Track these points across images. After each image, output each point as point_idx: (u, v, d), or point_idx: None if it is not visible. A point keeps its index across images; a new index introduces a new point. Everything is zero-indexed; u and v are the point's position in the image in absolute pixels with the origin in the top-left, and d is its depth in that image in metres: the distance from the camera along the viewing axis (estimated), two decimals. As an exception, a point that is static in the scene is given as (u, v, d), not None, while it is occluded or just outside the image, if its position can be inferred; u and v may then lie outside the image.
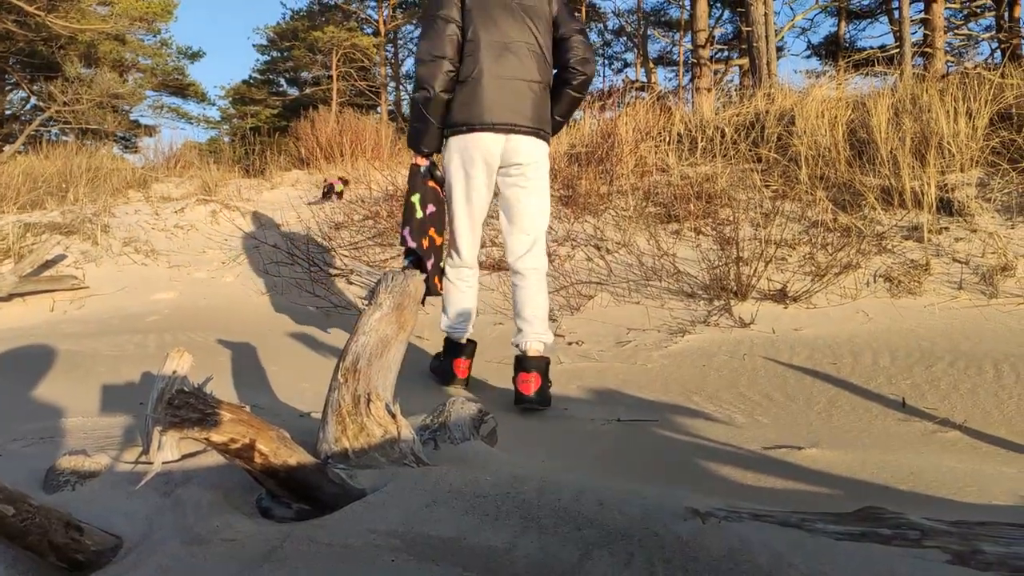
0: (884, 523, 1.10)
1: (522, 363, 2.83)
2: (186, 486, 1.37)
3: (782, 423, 2.59)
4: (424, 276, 2.54)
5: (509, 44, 2.84)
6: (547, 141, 2.97)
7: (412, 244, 2.95)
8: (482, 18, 2.83)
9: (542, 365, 2.83)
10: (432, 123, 2.87)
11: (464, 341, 3.12)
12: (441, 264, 3.07)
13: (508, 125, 2.84)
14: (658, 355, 3.43)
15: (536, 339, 2.88)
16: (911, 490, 1.83)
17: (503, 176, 2.96)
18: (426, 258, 2.95)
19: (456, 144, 2.90)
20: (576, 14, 3.11)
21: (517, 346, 2.91)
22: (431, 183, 3.01)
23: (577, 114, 6.35)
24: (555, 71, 3.01)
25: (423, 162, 3.00)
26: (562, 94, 3.01)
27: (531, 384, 2.77)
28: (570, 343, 3.75)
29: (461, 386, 3.12)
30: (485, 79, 2.82)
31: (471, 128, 2.85)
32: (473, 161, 2.89)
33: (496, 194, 3.03)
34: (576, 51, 2.94)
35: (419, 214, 2.97)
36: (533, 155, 2.90)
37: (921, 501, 1.74)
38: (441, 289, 3.07)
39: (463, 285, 3.09)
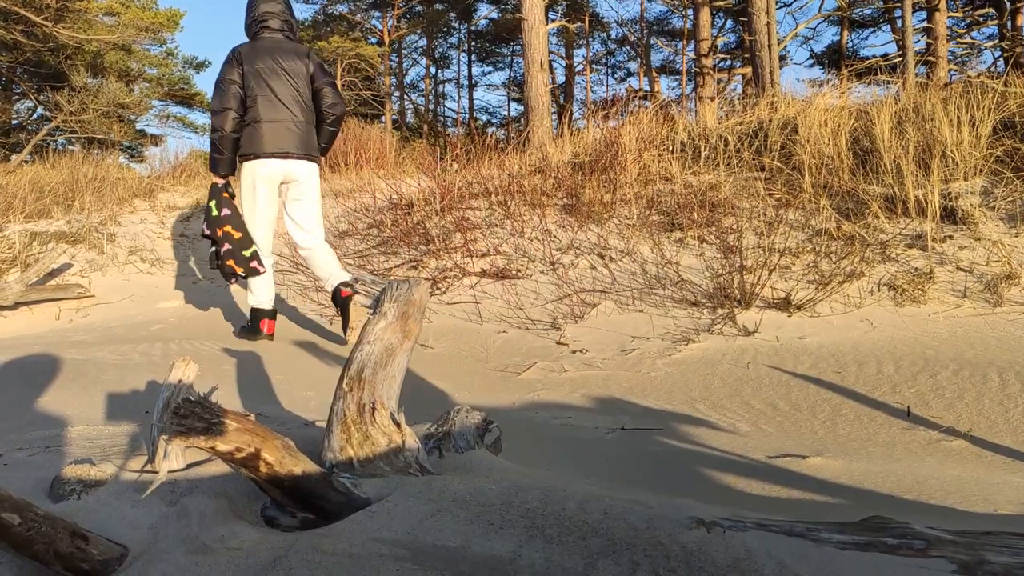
0: (889, 532, 1.09)
1: (342, 285, 4.09)
2: (191, 495, 1.38)
3: (786, 432, 2.59)
4: (233, 260, 4.00)
5: (278, 96, 4.02)
6: (316, 162, 4.19)
7: (207, 232, 4.11)
8: (257, 80, 4.01)
9: (352, 281, 4.15)
10: (225, 154, 4.02)
11: (268, 307, 4.19)
12: (246, 253, 4.07)
13: (283, 153, 4.03)
14: (662, 363, 3.43)
15: (340, 275, 4.13)
16: (916, 499, 1.83)
17: (285, 190, 4.16)
18: (219, 245, 4.05)
19: (247, 168, 4.08)
20: (328, 69, 4.33)
21: (334, 281, 4.12)
22: (226, 194, 4.11)
23: (580, 123, 6.44)
24: (316, 113, 4.19)
25: (221, 181, 4.12)
26: (322, 129, 4.22)
27: (350, 291, 4.08)
28: (574, 351, 3.75)
29: (268, 340, 4.16)
30: (262, 122, 4.00)
31: (256, 156, 4.02)
32: (259, 179, 4.05)
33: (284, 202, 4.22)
34: (326, 99, 4.15)
35: (215, 213, 4.08)
36: (304, 173, 4.12)
37: (926, 510, 1.74)
38: (239, 271, 4.09)
39: (269, 272, 4.20)
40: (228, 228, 4.04)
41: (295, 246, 4.27)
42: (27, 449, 1.88)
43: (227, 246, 4.02)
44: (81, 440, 1.98)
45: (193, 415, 1.14)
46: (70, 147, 15.87)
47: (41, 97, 17.90)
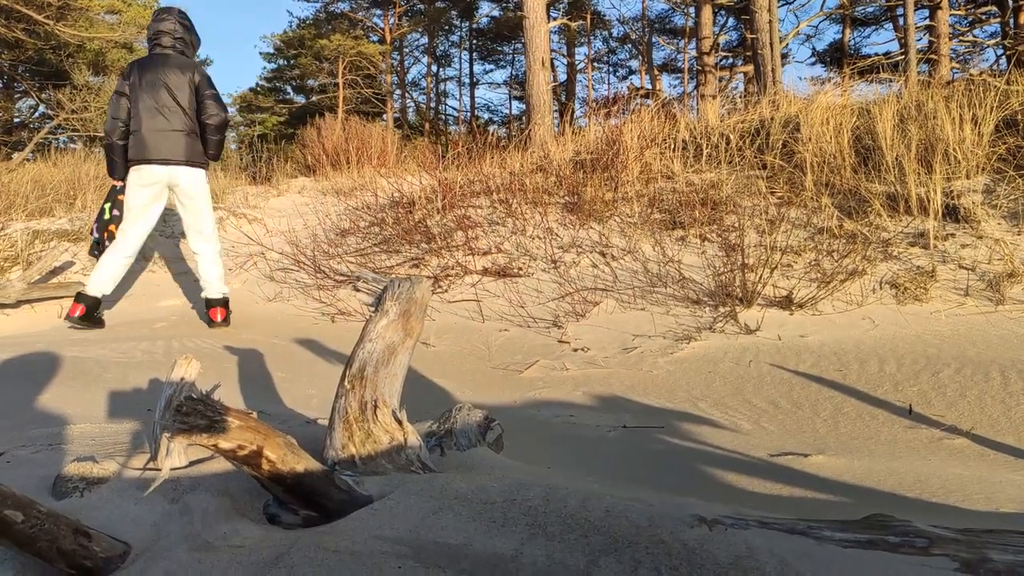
0: (891, 531, 1.09)
1: (211, 302, 4.51)
2: (194, 492, 1.38)
3: (788, 430, 2.59)
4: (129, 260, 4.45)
5: (160, 108, 4.33)
6: (201, 168, 4.46)
7: (96, 235, 4.64)
8: (141, 92, 4.33)
9: (223, 302, 4.54)
10: (116, 159, 4.41)
11: (95, 295, 4.38)
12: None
13: (162, 159, 4.33)
14: (664, 361, 3.43)
15: (214, 291, 4.51)
16: (918, 497, 1.83)
17: (174, 195, 4.48)
18: (104, 242, 4.54)
19: (133, 173, 4.38)
20: (212, 82, 4.51)
21: (206, 295, 4.53)
22: (121, 197, 4.53)
23: (582, 121, 6.45)
24: (199, 123, 4.45)
25: (118, 183, 4.57)
26: (206, 138, 4.46)
27: (218, 313, 4.49)
28: (576, 349, 3.75)
29: (67, 322, 4.39)
30: (144, 130, 4.32)
31: (139, 162, 4.35)
32: (140, 184, 4.37)
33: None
34: (207, 110, 4.40)
35: (107, 216, 4.62)
36: (189, 179, 4.41)
37: (928, 508, 1.74)
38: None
39: (122, 265, 4.46)
40: (113, 228, 4.58)
41: (190, 246, 4.66)
42: (30, 447, 1.89)
43: (108, 244, 4.55)
44: (83, 438, 1.99)
45: (196, 412, 1.14)
46: (72, 145, 15.89)
47: (43, 95, 17.91)
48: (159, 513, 1.32)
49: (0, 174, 8.57)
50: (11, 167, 10.12)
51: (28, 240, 5.78)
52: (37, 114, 19.71)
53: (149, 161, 4.33)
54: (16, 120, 19.56)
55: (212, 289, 4.52)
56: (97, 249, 4.66)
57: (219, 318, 4.48)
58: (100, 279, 4.38)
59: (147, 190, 4.38)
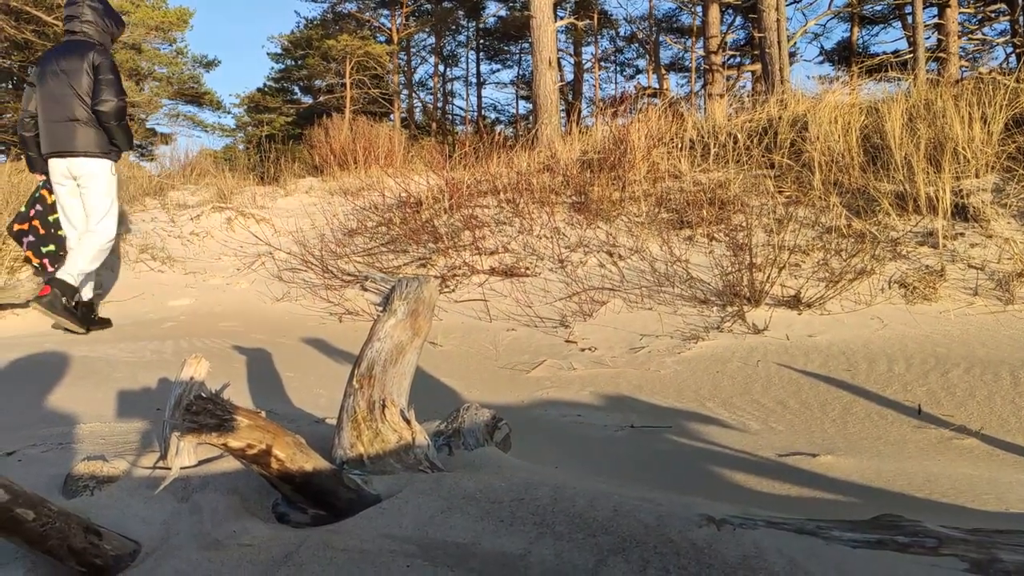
0: (901, 531, 1.09)
1: (52, 280, 4.16)
2: (203, 491, 1.39)
3: (796, 430, 2.58)
4: (32, 252, 4.48)
5: (56, 97, 4.15)
6: (100, 158, 4.24)
7: (15, 226, 4.53)
8: (40, 82, 4.20)
9: (60, 285, 4.12)
10: (30, 153, 4.37)
11: (75, 285, 4.23)
12: (44, 249, 4.48)
13: (62, 151, 4.19)
14: (671, 361, 3.42)
15: (65, 273, 4.18)
16: (927, 498, 1.82)
17: (76, 185, 4.30)
18: (23, 237, 4.49)
19: (49, 166, 4.29)
20: (110, 65, 4.21)
21: (54, 274, 4.22)
22: (44, 191, 4.49)
23: (589, 121, 6.46)
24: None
25: (40, 178, 4.49)
26: (104, 127, 4.22)
27: (47, 290, 4.12)
28: (583, 349, 3.75)
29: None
30: (43, 121, 4.20)
31: (47, 156, 4.25)
32: (54, 179, 4.29)
33: None
34: (99, 95, 4.14)
35: (23, 209, 4.55)
36: (86, 170, 4.22)
37: (938, 509, 1.73)
38: (36, 262, 4.50)
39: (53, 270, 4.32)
40: (36, 223, 4.52)
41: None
42: (40, 445, 1.90)
43: (31, 238, 4.50)
44: (93, 437, 2.00)
45: (205, 412, 1.15)
46: (81, 146, 15.94)
47: (52, 96, 17.97)
48: (169, 512, 1.33)
49: (9, 175, 8.61)
50: (20, 167, 10.17)
51: (38, 240, 5.81)
52: (46, 115, 19.80)
53: (51, 154, 4.22)
54: (26, 121, 19.65)
55: (64, 271, 4.21)
56: (46, 272, 4.45)
57: (44, 294, 4.11)
58: (70, 276, 4.19)
59: (61, 186, 4.28)
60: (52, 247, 4.48)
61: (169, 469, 1.51)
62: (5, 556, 1.17)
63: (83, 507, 1.32)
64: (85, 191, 4.28)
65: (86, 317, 4.32)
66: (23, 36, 15.46)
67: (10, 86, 19.03)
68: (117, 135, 4.27)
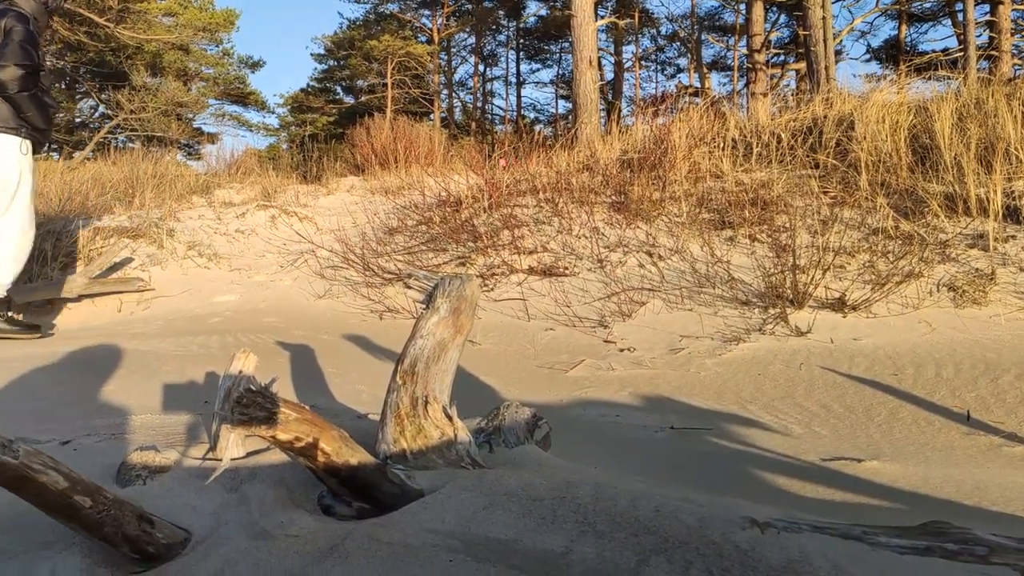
0: (950, 538, 1.07)
1: None
2: (251, 483, 1.42)
3: (841, 434, 2.54)
4: None
5: None
6: (8, 135, 3.76)
7: None
8: None
9: None
10: None
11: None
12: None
13: None
14: (712, 363, 3.39)
15: None
16: (976, 505, 1.78)
17: None
18: None
19: None
20: (18, 26, 3.72)
21: None
22: None
23: (629, 120, 6.40)
24: None
25: None
26: (4, 97, 3.76)
27: None
28: (622, 349, 3.73)
29: None
30: None
31: None
32: None
33: None
34: None
35: None
36: None
37: (987, 517, 1.69)
38: None
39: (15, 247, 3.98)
40: None
41: None
42: (94, 436, 1.96)
43: None
44: (144, 428, 2.05)
45: (255, 404, 1.17)
46: (130, 144, 16.40)
47: (103, 96, 18.52)
48: (218, 502, 1.36)
49: (63, 173, 8.89)
50: (73, 166, 10.49)
51: (89, 237, 5.98)
52: (97, 114, 20.41)
53: None
54: (77, 120, 20.27)
55: None
56: None
57: None
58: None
59: None
60: None
61: (219, 460, 1.55)
62: (64, 542, 1.21)
63: (136, 496, 1.36)
64: None
65: (26, 323, 4.10)
66: (76, 38, 15.92)
67: (63, 86, 19.60)
68: (24, 107, 3.80)
